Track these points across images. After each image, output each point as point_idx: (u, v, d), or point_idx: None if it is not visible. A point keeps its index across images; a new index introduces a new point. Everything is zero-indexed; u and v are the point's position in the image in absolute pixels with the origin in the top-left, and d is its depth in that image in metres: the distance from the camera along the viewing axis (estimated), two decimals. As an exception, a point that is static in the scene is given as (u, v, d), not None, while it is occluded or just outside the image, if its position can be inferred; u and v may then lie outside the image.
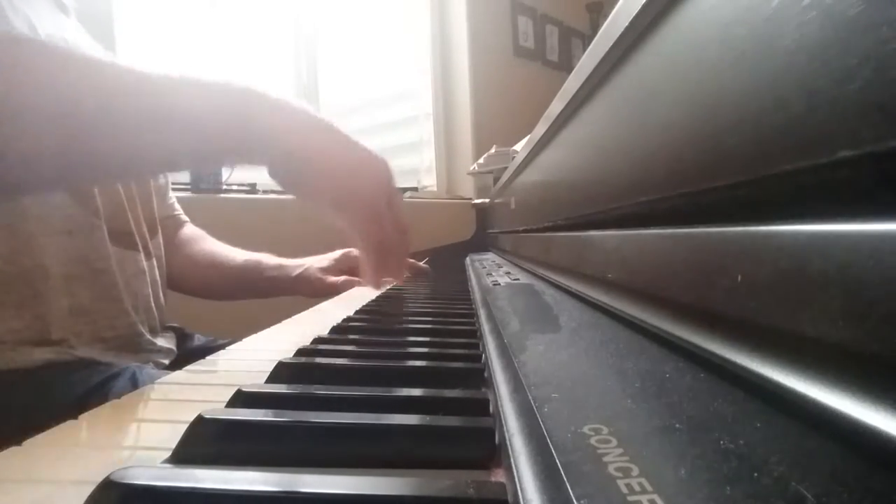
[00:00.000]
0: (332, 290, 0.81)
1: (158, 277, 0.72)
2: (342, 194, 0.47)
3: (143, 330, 0.66)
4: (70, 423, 0.24)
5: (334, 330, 0.44)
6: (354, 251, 0.78)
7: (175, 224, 0.86)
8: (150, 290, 0.68)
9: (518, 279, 0.58)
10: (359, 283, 0.79)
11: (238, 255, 0.86)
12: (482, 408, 0.23)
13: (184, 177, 1.50)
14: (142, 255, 0.67)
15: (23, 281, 0.53)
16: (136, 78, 0.37)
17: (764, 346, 0.15)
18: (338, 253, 0.87)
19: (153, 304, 0.70)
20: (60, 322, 0.57)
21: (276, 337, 0.48)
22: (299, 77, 1.92)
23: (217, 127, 0.40)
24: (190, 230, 0.88)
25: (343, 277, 0.82)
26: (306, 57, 1.92)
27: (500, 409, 0.19)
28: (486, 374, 0.28)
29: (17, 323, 0.54)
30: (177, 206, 0.88)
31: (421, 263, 0.92)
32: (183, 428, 0.20)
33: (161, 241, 0.76)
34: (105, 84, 0.36)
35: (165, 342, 0.71)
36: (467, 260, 1.08)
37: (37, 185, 0.40)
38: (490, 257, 1.04)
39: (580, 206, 0.39)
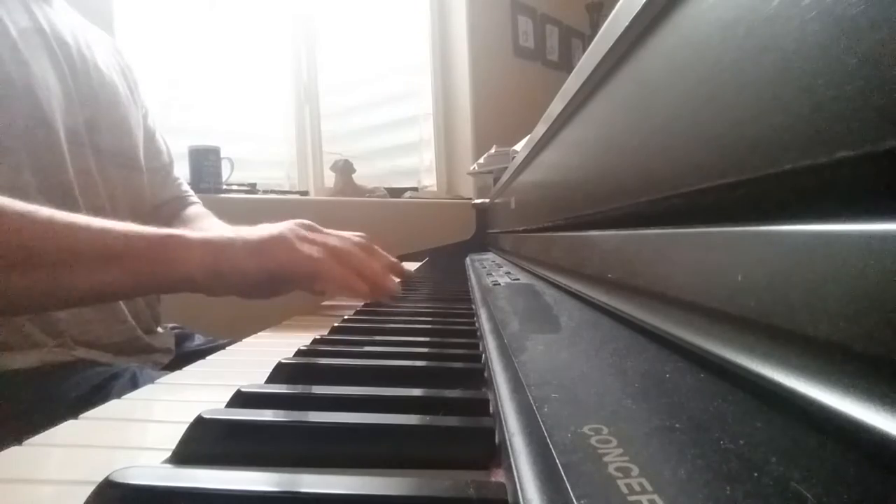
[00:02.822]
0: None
1: None
2: (276, 272, 0.51)
3: (139, 328, 0.66)
4: (70, 423, 0.24)
5: (334, 330, 0.44)
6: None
7: (182, 204, 0.84)
8: None
9: (518, 279, 0.58)
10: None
11: None
12: (482, 408, 0.23)
13: (183, 176, 1.49)
14: None
15: None
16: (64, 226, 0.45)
17: (764, 346, 0.15)
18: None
19: (146, 303, 0.70)
20: (58, 323, 0.57)
21: (276, 338, 0.48)
22: (299, 77, 1.92)
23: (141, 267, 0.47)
24: (195, 210, 0.86)
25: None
26: (306, 57, 1.92)
27: (500, 409, 0.19)
28: (486, 374, 0.28)
29: (15, 325, 0.54)
30: (185, 185, 0.87)
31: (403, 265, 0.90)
32: (183, 428, 0.20)
33: None
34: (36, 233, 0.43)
35: (164, 342, 0.71)
36: (467, 260, 1.08)
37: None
38: (490, 257, 1.04)
39: (580, 206, 0.39)
